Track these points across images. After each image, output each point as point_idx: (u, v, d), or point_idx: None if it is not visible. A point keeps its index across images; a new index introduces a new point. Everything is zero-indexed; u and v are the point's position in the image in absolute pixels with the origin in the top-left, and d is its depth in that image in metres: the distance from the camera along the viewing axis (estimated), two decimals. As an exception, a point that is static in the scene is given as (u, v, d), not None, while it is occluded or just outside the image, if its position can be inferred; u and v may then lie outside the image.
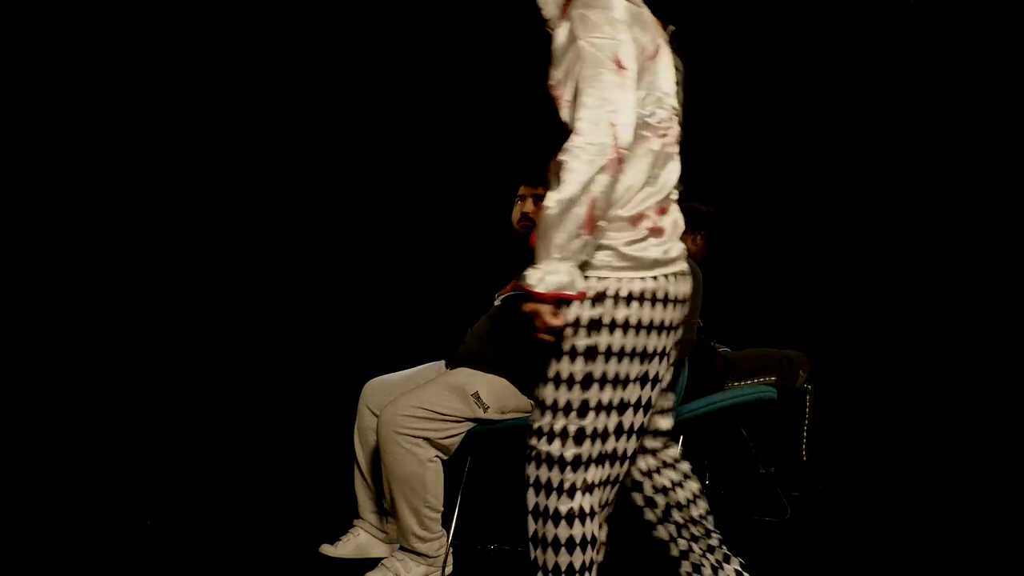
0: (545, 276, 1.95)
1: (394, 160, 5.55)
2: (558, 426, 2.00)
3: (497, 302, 3.39)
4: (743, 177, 5.56)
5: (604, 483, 2.04)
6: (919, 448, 4.99)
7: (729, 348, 4.12)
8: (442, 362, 3.38)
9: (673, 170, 2.13)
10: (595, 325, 1.98)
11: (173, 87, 4.91)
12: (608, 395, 1.99)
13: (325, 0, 5.18)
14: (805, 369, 4.03)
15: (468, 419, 3.03)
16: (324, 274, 5.44)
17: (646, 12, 2.09)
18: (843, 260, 5.53)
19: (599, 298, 1.98)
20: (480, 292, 3.70)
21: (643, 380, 2.03)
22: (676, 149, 2.14)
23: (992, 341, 5.29)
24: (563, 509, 1.99)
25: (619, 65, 1.96)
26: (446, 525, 3.03)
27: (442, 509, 2.99)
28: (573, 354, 1.99)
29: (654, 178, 2.06)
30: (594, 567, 2.05)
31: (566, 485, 2.00)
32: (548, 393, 2.02)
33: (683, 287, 2.09)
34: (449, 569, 3.04)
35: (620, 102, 1.95)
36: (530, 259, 3.46)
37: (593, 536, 2.02)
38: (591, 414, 1.99)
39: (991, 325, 5.31)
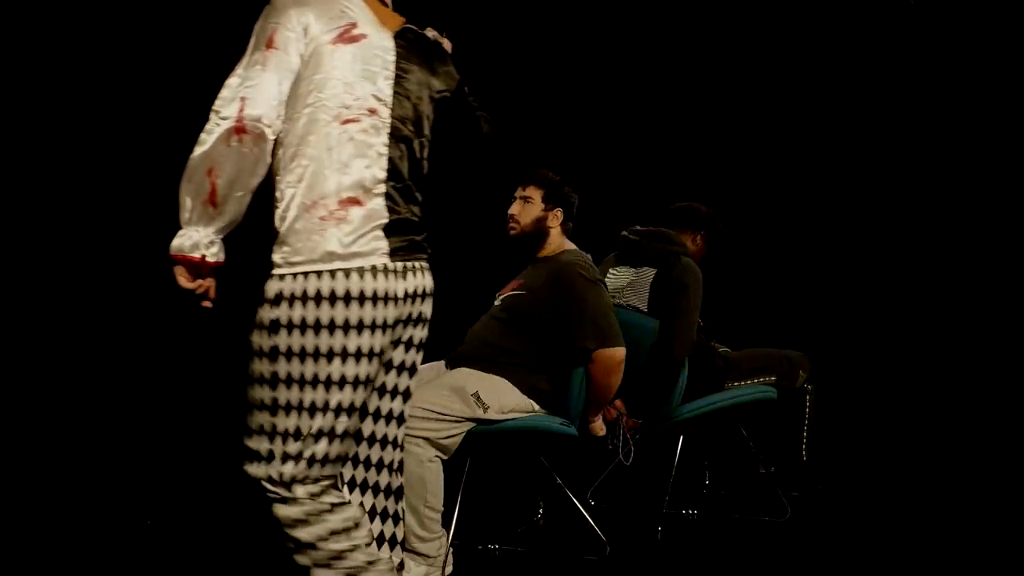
0: (176, 238, 1.99)
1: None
2: (255, 423, 2.03)
3: (497, 302, 3.39)
4: (743, 177, 5.56)
5: (311, 478, 2.01)
6: (919, 448, 4.99)
7: (729, 348, 4.12)
8: (442, 362, 3.38)
9: (373, 161, 2.07)
10: (274, 326, 1.99)
11: (172, 87, 4.91)
12: (297, 395, 1.98)
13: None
14: (805, 369, 4.03)
15: (468, 419, 3.03)
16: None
17: (355, 4, 2.10)
18: (843, 260, 5.53)
19: (276, 299, 1.99)
20: (480, 292, 3.69)
21: (341, 382, 2.00)
22: (376, 140, 2.08)
23: (992, 341, 5.29)
24: (275, 500, 2.01)
25: (269, 45, 1.99)
26: (446, 525, 3.03)
27: (442, 509, 2.99)
28: (261, 354, 2.01)
29: (342, 166, 2.02)
30: (349, 554, 2.02)
31: (272, 478, 2.00)
32: (247, 391, 2.04)
33: (379, 283, 2.03)
34: (449, 569, 3.04)
35: (257, 79, 1.97)
36: (528, 260, 3.47)
37: (323, 532, 2.00)
38: (281, 413, 1.99)
39: (991, 325, 5.31)
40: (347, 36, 2.05)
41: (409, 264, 2.10)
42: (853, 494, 4.18)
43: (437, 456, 2.98)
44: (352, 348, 2.00)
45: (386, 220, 2.06)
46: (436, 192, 6.00)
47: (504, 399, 3.13)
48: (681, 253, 3.80)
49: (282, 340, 1.98)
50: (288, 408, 1.99)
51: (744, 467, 4.20)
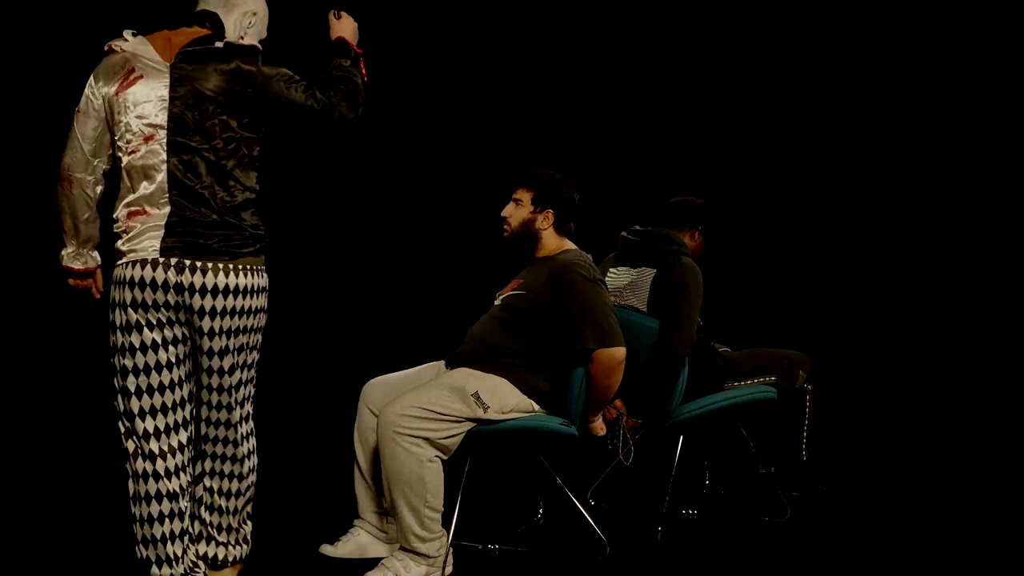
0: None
1: (394, 160, 5.55)
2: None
3: (497, 302, 3.39)
4: (743, 178, 5.56)
5: (147, 414, 2.65)
6: (919, 448, 4.99)
7: (729, 348, 4.12)
8: (442, 362, 3.38)
9: (154, 179, 2.61)
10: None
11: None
12: (118, 360, 2.66)
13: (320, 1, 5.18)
14: (805, 369, 4.02)
15: (468, 419, 3.03)
16: (324, 274, 5.44)
17: (138, 49, 2.61)
18: (843, 260, 5.53)
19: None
20: (480, 292, 3.70)
21: (130, 349, 2.63)
22: (155, 160, 2.60)
23: (992, 341, 5.29)
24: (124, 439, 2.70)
25: (77, 111, 2.66)
26: (446, 525, 3.04)
27: (442, 509, 2.99)
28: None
29: (129, 189, 2.64)
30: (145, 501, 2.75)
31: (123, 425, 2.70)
32: None
33: (146, 272, 2.59)
34: (449, 569, 3.05)
35: (71, 139, 2.67)
36: (527, 260, 3.47)
37: (142, 470, 2.69)
38: (118, 374, 2.67)
39: (990, 325, 5.31)
40: (126, 83, 2.62)
41: (188, 262, 2.59)
42: (853, 494, 4.19)
43: (437, 456, 2.98)
44: (134, 322, 2.62)
45: (164, 221, 2.59)
46: (437, 192, 6.01)
47: (504, 399, 3.13)
48: (681, 253, 3.80)
49: (110, 314, 2.69)
50: (116, 370, 2.68)
51: (744, 467, 4.20)
